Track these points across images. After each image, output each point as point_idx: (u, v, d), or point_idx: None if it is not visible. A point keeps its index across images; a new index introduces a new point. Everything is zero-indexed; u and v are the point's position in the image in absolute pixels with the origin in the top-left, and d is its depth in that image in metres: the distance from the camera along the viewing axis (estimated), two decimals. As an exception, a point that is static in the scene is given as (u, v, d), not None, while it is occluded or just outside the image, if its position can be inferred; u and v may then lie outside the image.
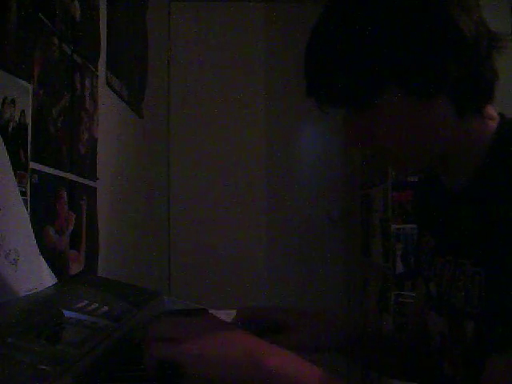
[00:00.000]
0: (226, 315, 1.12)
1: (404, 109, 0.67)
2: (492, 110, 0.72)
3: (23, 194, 1.00)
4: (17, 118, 1.00)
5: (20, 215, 0.84)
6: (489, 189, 0.67)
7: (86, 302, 0.78)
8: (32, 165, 1.07)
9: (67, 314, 0.70)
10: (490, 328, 0.62)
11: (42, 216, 1.11)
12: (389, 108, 0.67)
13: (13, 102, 0.99)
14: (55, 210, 1.19)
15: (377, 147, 0.72)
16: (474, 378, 0.67)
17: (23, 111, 1.03)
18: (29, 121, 1.06)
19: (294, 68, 2.91)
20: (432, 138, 0.70)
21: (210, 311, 1.02)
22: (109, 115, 1.67)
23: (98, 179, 1.52)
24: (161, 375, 0.59)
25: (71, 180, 1.30)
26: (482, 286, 0.65)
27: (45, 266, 0.89)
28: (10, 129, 0.97)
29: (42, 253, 0.89)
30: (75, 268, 1.32)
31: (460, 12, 0.64)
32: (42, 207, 1.12)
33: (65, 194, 1.25)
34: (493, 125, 0.71)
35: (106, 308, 0.79)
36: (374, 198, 2.51)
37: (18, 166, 1.00)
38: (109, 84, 1.67)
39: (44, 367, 0.51)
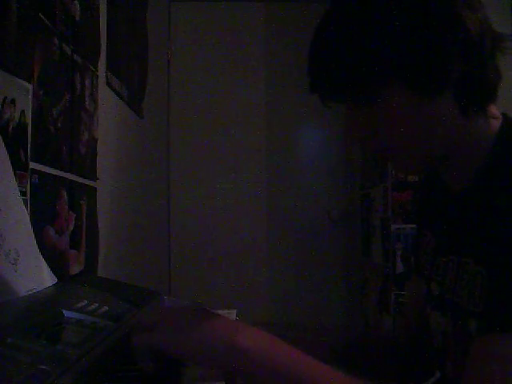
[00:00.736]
0: (226, 315, 1.12)
1: (406, 106, 0.67)
2: (495, 110, 0.72)
3: (23, 193, 1.00)
4: (17, 118, 1.00)
5: (20, 215, 0.84)
6: (491, 188, 0.67)
7: (86, 301, 0.78)
8: (32, 165, 1.07)
9: (67, 314, 0.70)
10: (493, 327, 0.62)
11: (41, 216, 1.11)
12: (391, 105, 0.67)
13: (13, 102, 0.99)
14: (55, 210, 1.19)
15: (378, 145, 0.72)
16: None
17: (23, 111, 1.03)
18: (29, 121, 1.05)
19: (294, 68, 2.90)
20: (434, 136, 0.70)
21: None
22: (109, 115, 1.67)
23: (98, 179, 1.52)
24: (148, 366, 0.61)
25: (71, 180, 1.30)
26: (485, 285, 0.65)
27: (45, 265, 0.89)
28: (10, 129, 0.97)
29: (42, 253, 0.89)
30: (75, 268, 1.32)
31: (466, 10, 0.64)
32: (42, 207, 1.12)
33: (65, 194, 1.25)
34: (496, 124, 0.71)
35: (105, 308, 0.79)
36: (374, 198, 2.51)
37: (18, 166, 1.00)
38: (109, 84, 1.67)
39: (44, 367, 0.51)
